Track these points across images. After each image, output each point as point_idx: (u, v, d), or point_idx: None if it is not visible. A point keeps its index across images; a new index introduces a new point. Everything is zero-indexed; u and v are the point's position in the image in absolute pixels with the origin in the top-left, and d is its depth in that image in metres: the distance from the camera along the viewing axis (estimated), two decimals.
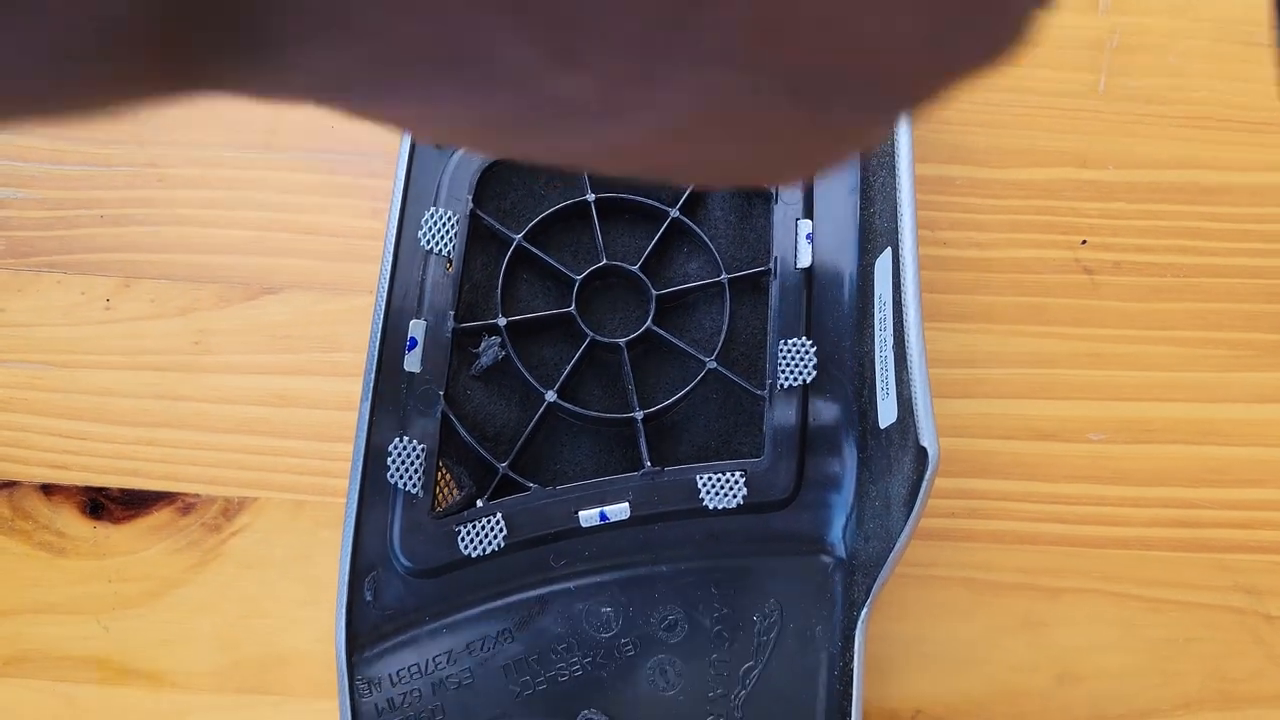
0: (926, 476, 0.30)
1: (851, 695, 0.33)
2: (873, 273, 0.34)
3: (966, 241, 0.40)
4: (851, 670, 0.33)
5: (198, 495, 0.36)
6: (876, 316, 0.34)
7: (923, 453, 0.30)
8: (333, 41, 0.12)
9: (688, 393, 0.34)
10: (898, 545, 0.32)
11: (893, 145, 0.34)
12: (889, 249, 0.33)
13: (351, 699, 0.33)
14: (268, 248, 0.40)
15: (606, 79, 0.13)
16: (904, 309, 0.32)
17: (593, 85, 0.13)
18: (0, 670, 0.35)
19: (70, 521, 0.36)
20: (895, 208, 0.33)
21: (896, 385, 0.32)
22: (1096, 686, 0.36)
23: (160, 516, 0.36)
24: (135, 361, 0.38)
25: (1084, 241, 0.40)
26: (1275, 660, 0.36)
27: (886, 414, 0.33)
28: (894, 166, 0.33)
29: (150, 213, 0.40)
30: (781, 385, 0.34)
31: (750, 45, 0.13)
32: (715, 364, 0.34)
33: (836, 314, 0.35)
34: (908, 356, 0.31)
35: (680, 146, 0.15)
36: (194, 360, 0.38)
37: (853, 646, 0.33)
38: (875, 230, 0.35)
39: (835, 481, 0.34)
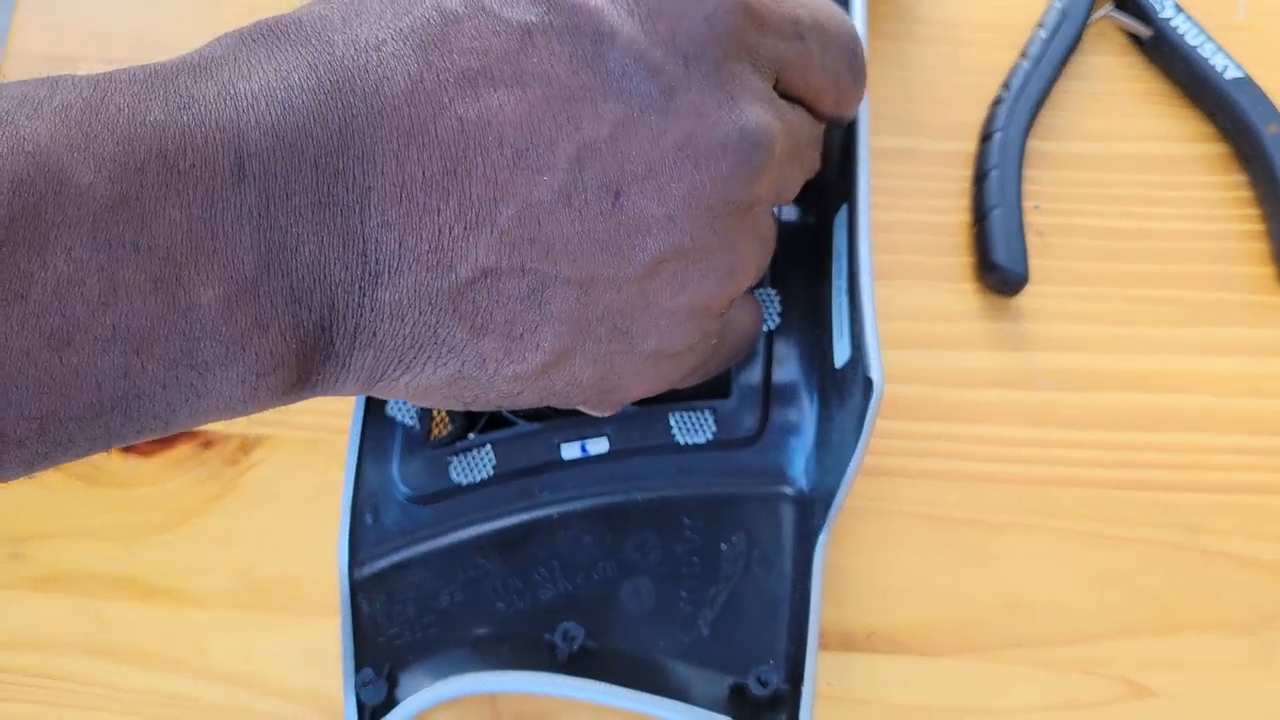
0: (871, 404, 0.33)
1: (809, 616, 0.36)
2: (832, 228, 0.37)
3: (924, 208, 0.43)
4: (809, 593, 0.36)
5: (217, 431, 0.40)
6: (835, 268, 0.37)
7: (869, 383, 0.33)
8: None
9: None
10: (848, 472, 0.35)
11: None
12: (845, 205, 0.36)
13: (353, 611, 0.37)
14: None
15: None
16: (857, 255, 0.35)
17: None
18: (38, 586, 0.39)
19: (104, 455, 0.40)
20: (853, 167, 0.36)
21: (850, 326, 0.35)
22: (1041, 615, 0.38)
23: (183, 450, 0.40)
24: None
25: (1036, 207, 0.43)
26: (1210, 590, 0.39)
27: (841, 354, 0.36)
28: (853, 131, 0.37)
29: None
30: None
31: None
32: None
33: (799, 267, 0.38)
34: (859, 296, 0.34)
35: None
36: None
37: (810, 571, 0.36)
38: (834, 189, 0.38)
39: (797, 419, 0.37)
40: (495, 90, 0.23)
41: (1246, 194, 0.43)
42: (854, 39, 0.30)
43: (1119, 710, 0.37)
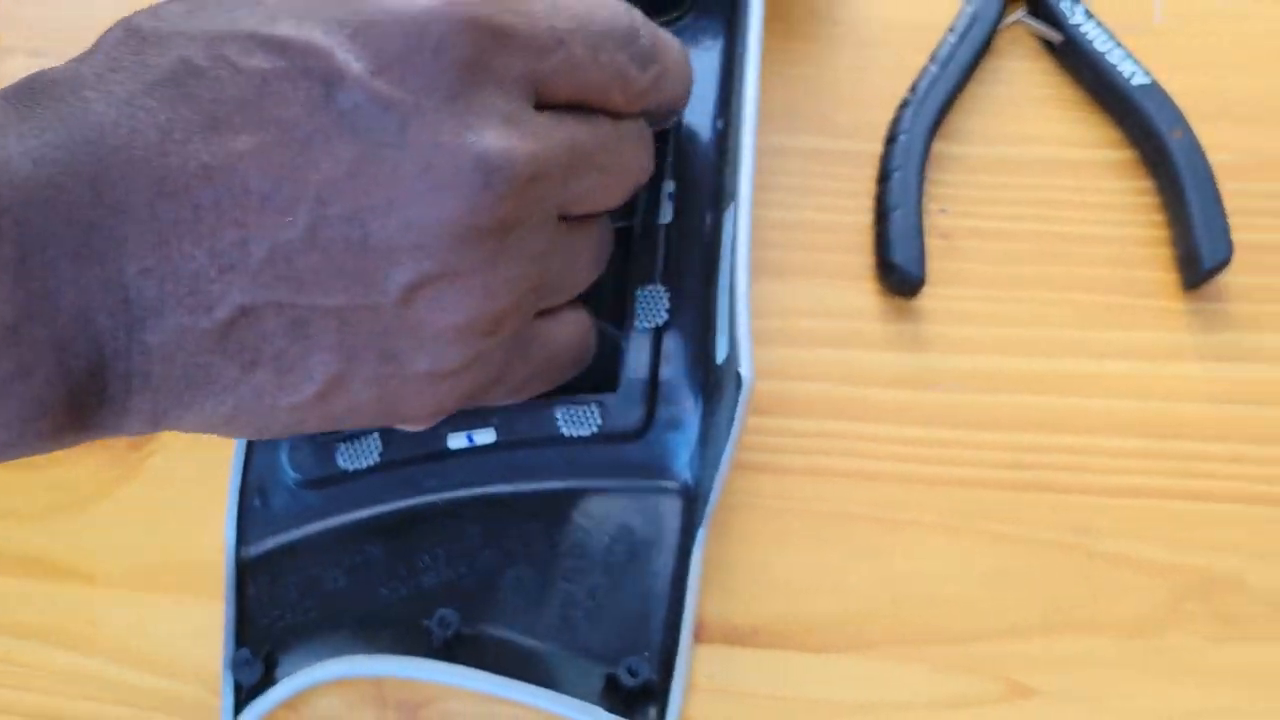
0: (741, 399, 0.33)
1: (684, 609, 0.36)
2: (722, 226, 0.38)
3: (830, 207, 0.43)
4: (686, 587, 0.36)
5: None
6: (721, 266, 0.37)
7: (739, 378, 0.33)
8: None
9: None
10: (721, 468, 0.35)
11: (740, 112, 0.37)
12: (733, 203, 0.37)
13: (237, 592, 0.37)
14: None
15: None
16: (736, 251, 0.35)
17: None
18: None
19: None
20: (737, 164, 0.37)
21: (729, 323, 0.35)
22: (928, 612, 0.39)
23: None
24: None
25: (943, 210, 0.43)
26: (1098, 591, 0.39)
27: (721, 350, 0.36)
28: (739, 128, 0.37)
29: None
30: (637, 327, 0.38)
31: None
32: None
33: (690, 264, 0.38)
34: (735, 293, 0.35)
35: None
36: None
37: (688, 564, 0.36)
38: (728, 191, 0.38)
39: (682, 415, 0.38)
40: (238, 137, 0.25)
41: (1153, 199, 0.43)
42: (629, 29, 0.30)
43: (1001, 709, 0.38)
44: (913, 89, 0.43)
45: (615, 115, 0.31)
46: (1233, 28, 0.45)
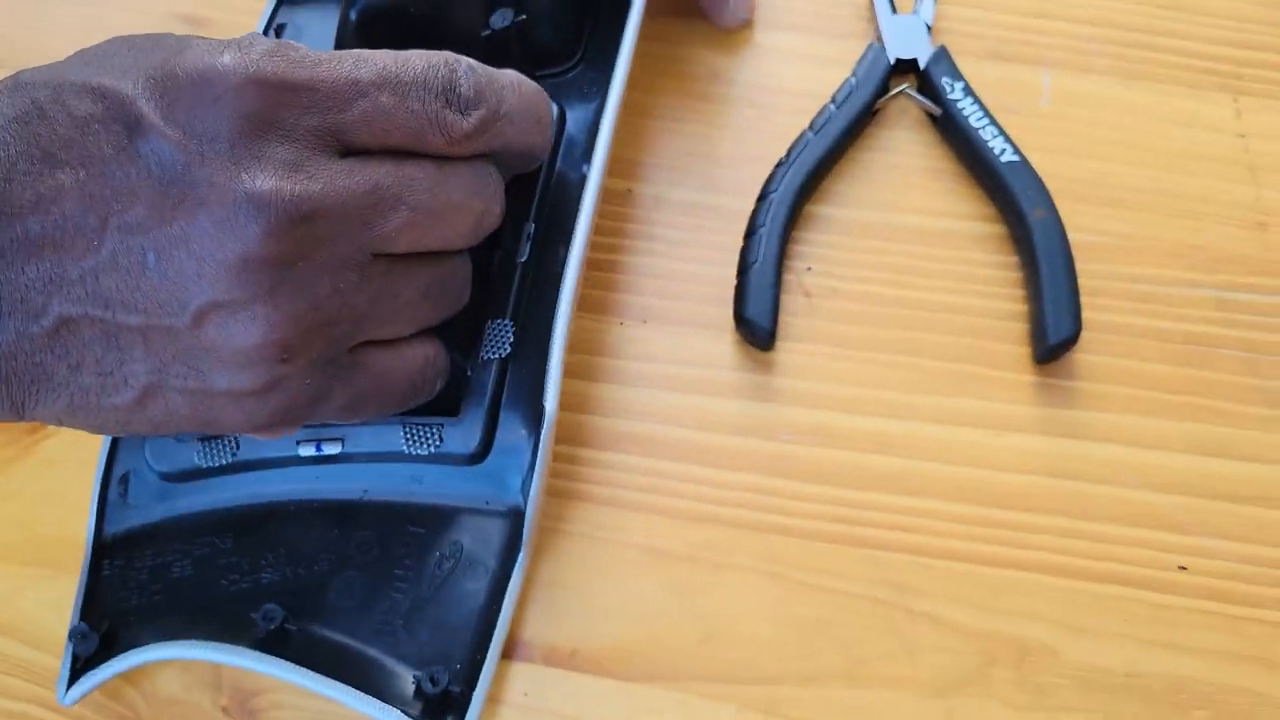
0: (543, 430, 0.36)
1: (495, 626, 0.38)
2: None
3: (701, 259, 0.45)
4: (501, 605, 0.39)
5: None
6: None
7: (542, 410, 0.35)
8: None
9: None
10: (531, 494, 0.38)
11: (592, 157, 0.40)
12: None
13: (91, 570, 0.40)
14: None
15: None
16: (561, 289, 0.38)
17: None
18: None
19: None
20: (577, 208, 0.39)
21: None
22: (738, 652, 0.40)
23: None
24: None
25: (809, 269, 0.45)
26: (908, 648, 0.40)
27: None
28: (585, 177, 0.40)
29: None
30: (484, 358, 0.40)
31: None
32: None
33: (540, 301, 0.41)
34: (554, 331, 0.37)
35: None
36: None
37: (508, 584, 0.39)
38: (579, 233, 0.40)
39: (516, 442, 0.40)
40: (61, 171, 0.29)
41: (1015, 274, 0.44)
42: (446, 77, 0.33)
43: None
44: (788, 153, 0.45)
45: (439, 158, 0.34)
46: (1113, 118, 0.47)
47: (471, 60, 0.34)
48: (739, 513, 0.42)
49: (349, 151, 0.32)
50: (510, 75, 0.35)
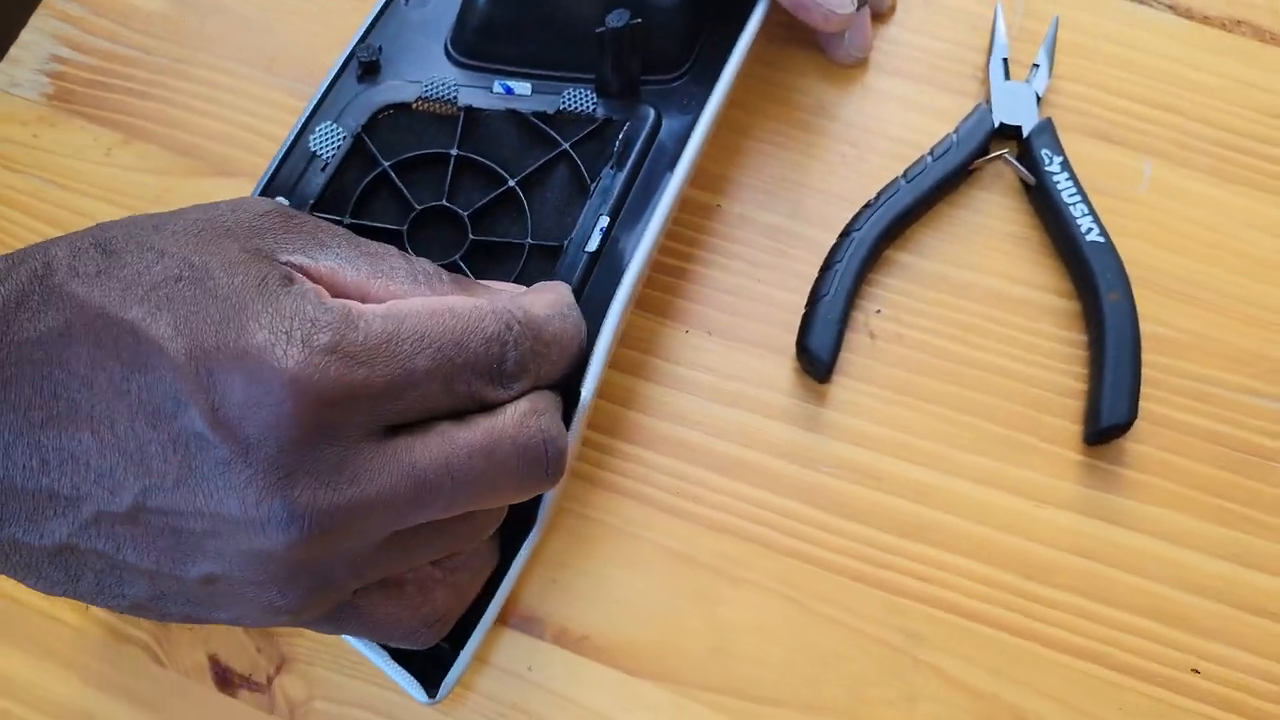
0: (575, 417, 0.37)
1: (494, 596, 0.40)
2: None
3: (775, 283, 0.46)
4: (504, 577, 0.40)
5: None
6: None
7: (577, 395, 0.37)
8: None
9: None
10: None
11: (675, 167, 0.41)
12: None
13: None
14: (239, 144, 0.50)
15: None
16: (621, 285, 0.39)
17: None
18: None
19: None
20: (651, 214, 0.41)
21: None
22: (744, 666, 0.41)
23: None
24: (112, 197, 0.49)
25: (878, 311, 0.46)
26: (909, 696, 0.41)
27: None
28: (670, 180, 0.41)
29: (164, 94, 0.50)
30: None
31: None
32: None
33: (599, 292, 0.42)
34: (604, 323, 0.38)
35: None
36: (151, 210, 0.48)
37: (514, 559, 0.40)
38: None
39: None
40: (84, 425, 0.29)
41: (1079, 352, 0.45)
42: (497, 354, 0.32)
43: None
44: (878, 195, 0.46)
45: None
46: (1205, 216, 0.47)
47: (528, 310, 0.34)
48: (767, 533, 0.43)
49: (392, 428, 0.31)
50: (555, 324, 0.35)
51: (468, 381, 0.31)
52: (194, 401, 0.28)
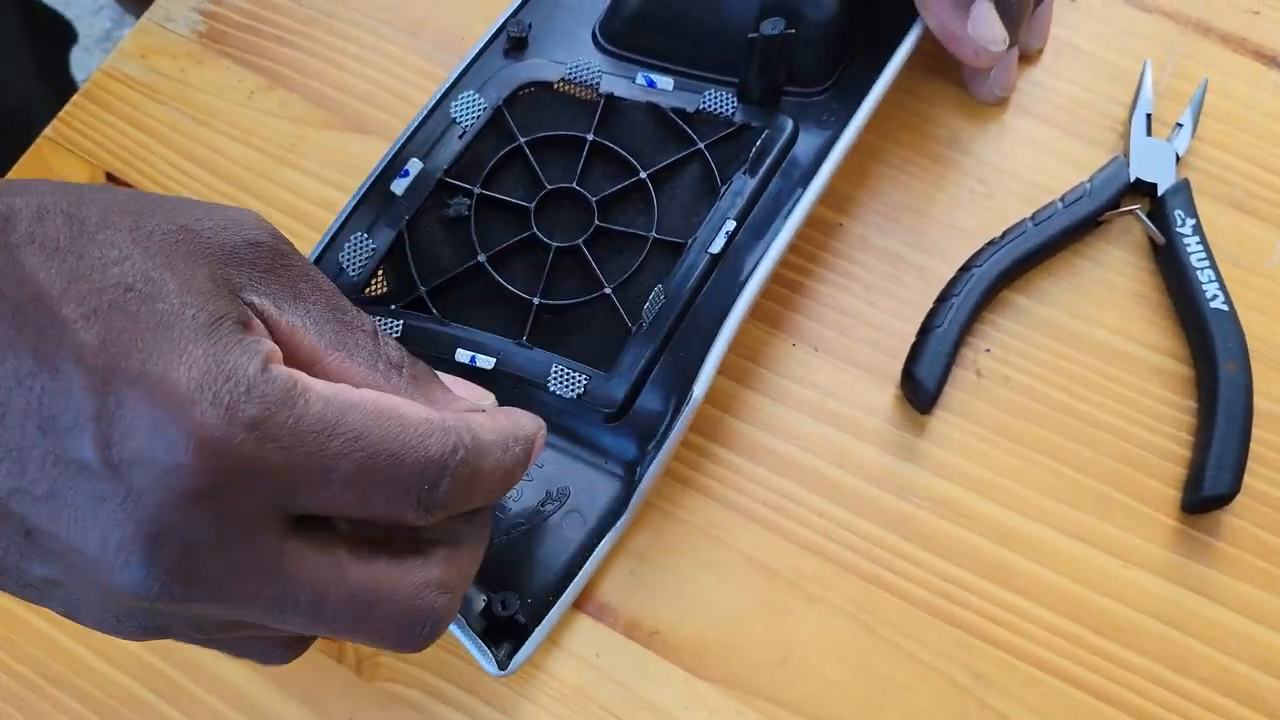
0: (682, 415, 0.38)
1: (573, 580, 0.40)
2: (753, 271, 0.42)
3: (886, 308, 0.46)
4: (587, 560, 0.40)
5: None
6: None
7: (686, 393, 0.37)
8: None
9: (580, 303, 0.42)
10: (651, 469, 0.40)
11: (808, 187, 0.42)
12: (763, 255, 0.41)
13: None
14: (376, 103, 0.51)
15: None
16: (743, 292, 0.40)
17: None
18: None
19: None
20: (779, 232, 0.41)
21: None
22: (808, 683, 0.41)
23: None
24: (247, 139, 0.50)
25: (988, 350, 0.45)
26: None
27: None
28: (798, 199, 0.41)
29: (310, 46, 0.52)
30: (644, 325, 0.41)
31: None
32: (610, 291, 0.42)
33: (717, 294, 0.42)
34: (723, 326, 0.39)
35: None
36: (282, 156, 0.49)
37: (599, 543, 0.40)
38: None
39: (653, 417, 0.41)
40: None
41: (1187, 419, 0.44)
42: (430, 477, 0.29)
43: None
44: (1003, 234, 0.45)
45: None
46: None
47: (477, 435, 0.30)
48: (848, 555, 0.43)
49: (291, 518, 0.28)
50: (497, 456, 0.31)
51: (389, 497, 0.28)
52: (91, 427, 0.25)
